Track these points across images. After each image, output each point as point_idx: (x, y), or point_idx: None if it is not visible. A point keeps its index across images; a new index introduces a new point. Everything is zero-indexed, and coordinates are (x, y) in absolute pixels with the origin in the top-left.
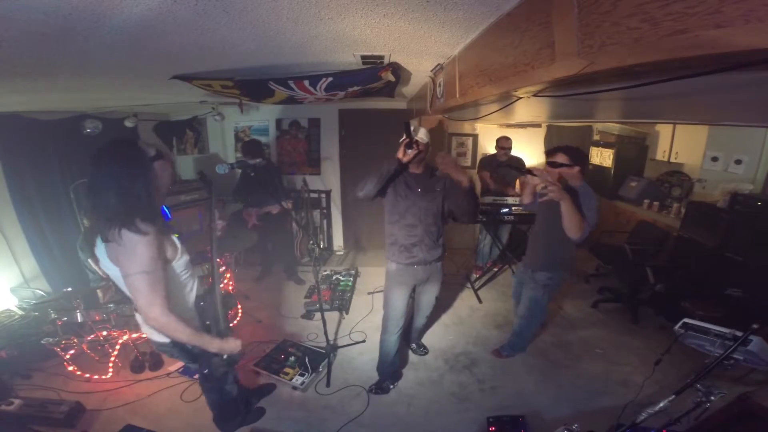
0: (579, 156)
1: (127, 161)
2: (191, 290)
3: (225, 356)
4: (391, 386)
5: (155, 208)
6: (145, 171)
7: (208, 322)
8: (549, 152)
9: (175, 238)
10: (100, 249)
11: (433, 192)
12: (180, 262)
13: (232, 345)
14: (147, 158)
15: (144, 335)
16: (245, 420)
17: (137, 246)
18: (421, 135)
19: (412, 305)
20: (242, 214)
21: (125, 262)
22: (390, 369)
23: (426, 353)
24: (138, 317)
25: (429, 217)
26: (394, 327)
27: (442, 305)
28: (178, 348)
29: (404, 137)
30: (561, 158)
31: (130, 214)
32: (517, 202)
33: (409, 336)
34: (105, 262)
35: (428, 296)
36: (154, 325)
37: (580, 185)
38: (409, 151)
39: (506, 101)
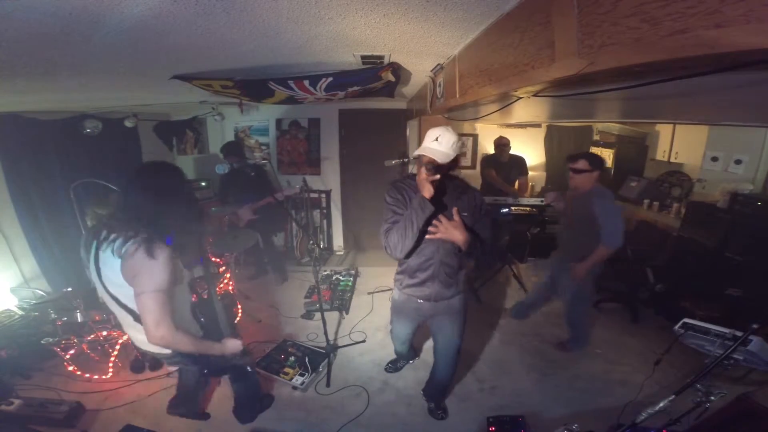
0: (598, 161)
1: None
2: (188, 303)
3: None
4: (411, 361)
5: (185, 234)
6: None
7: (202, 330)
8: (572, 158)
9: (179, 262)
10: (106, 261)
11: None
12: (185, 283)
13: (230, 345)
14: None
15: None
16: (261, 407)
17: (157, 265)
18: (449, 147)
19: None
20: (230, 218)
21: (143, 279)
22: (404, 358)
23: (444, 418)
24: (134, 335)
25: (450, 248)
26: (402, 345)
27: None
28: (180, 356)
29: (427, 172)
30: (582, 164)
31: (162, 232)
32: (517, 201)
33: (428, 390)
34: (111, 277)
35: (444, 338)
36: (161, 343)
37: (596, 188)
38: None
39: (506, 101)
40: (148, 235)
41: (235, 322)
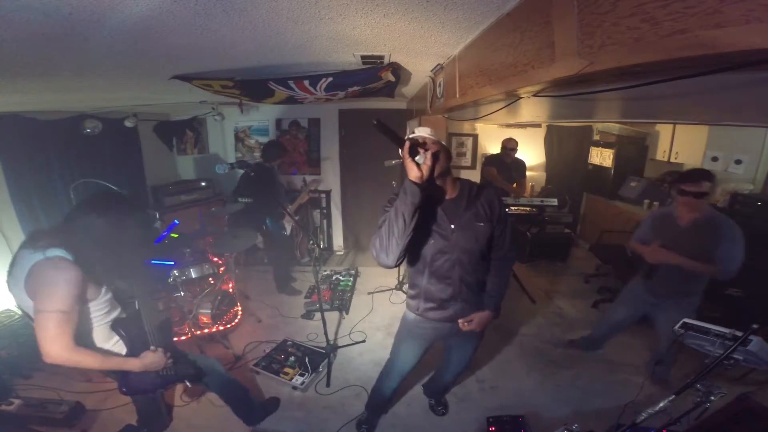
0: (714, 178)
1: (143, 223)
2: (110, 319)
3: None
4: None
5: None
6: (137, 236)
7: (125, 346)
8: (690, 178)
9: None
10: (15, 278)
11: (473, 227)
12: (100, 300)
13: (149, 359)
14: (154, 232)
15: None
16: (266, 410)
17: (60, 284)
18: (423, 132)
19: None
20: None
21: (43, 297)
22: (382, 409)
23: (445, 414)
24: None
25: (468, 262)
26: (398, 377)
27: None
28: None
29: (403, 147)
30: (707, 187)
31: (84, 253)
32: (517, 201)
33: (432, 389)
34: (15, 292)
35: (462, 353)
36: (56, 362)
37: (717, 216)
38: (420, 158)
39: (506, 101)
40: (67, 251)
41: (173, 337)
